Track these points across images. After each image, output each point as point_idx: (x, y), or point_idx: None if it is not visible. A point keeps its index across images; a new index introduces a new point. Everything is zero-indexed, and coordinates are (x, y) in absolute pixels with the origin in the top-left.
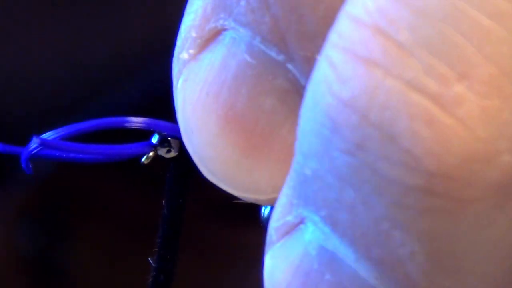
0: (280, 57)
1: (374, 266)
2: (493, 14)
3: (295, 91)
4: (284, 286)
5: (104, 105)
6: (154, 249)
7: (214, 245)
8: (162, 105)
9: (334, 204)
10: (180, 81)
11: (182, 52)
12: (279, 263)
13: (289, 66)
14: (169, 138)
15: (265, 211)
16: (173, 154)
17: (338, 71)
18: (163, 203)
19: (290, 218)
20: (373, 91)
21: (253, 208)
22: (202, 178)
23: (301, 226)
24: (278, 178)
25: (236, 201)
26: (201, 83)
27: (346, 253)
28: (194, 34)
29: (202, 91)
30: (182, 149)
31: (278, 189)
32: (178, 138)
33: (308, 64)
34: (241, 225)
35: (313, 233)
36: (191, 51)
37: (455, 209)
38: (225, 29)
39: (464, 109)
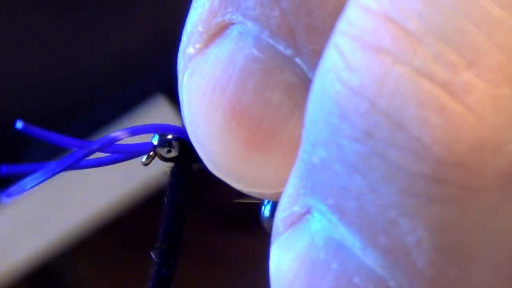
0: (288, 51)
1: (381, 254)
2: (504, 3)
3: (303, 86)
4: (291, 276)
5: (105, 106)
6: (156, 245)
7: (214, 247)
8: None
9: (342, 192)
10: (186, 75)
11: (188, 47)
12: (285, 253)
13: (297, 60)
14: (169, 138)
15: (265, 210)
16: (173, 154)
17: (347, 58)
18: (164, 200)
19: (296, 208)
20: (382, 78)
21: (253, 209)
22: (203, 178)
23: (308, 216)
24: (284, 173)
25: (236, 201)
26: (208, 77)
27: (353, 242)
28: (200, 29)
29: (208, 85)
30: (183, 149)
31: (283, 184)
32: (180, 139)
33: (317, 58)
34: (242, 225)
35: (319, 223)
36: (198, 46)
37: (464, 197)
38: (232, 23)
39: (473, 97)
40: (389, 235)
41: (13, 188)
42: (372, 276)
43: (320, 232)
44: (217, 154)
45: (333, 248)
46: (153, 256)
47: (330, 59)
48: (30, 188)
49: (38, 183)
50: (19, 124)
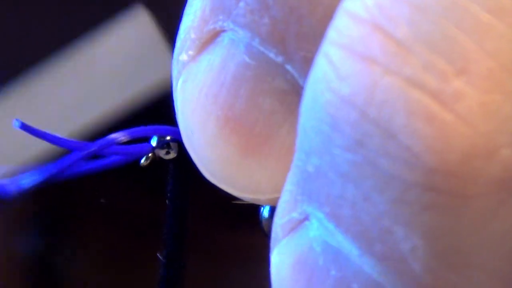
0: (279, 58)
1: (378, 261)
2: (494, 10)
3: (294, 92)
4: (291, 282)
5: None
6: (162, 246)
7: (215, 245)
8: (163, 106)
9: (337, 200)
10: (180, 82)
11: (181, 54)
12: (285, 259)
13: (288, 67)
14: (167, 139)
15: (263, 211)
16: (172, 155)
17: (337, 68)
18: (167, 203)
19: (295, 214)
20: (372, 87)
21: (253, 208)
22: (201, 179)
23: (306, 222)
24: (278, 178)
25: (235, 202)
26: (200, 84)
27: (350, 249)
28: (193, 36)
29: (201, 92)
30: (181, 150)
31: (278, 189)
32: (179, 141)
33: (308, 65)
34: (241, 225)
35: (317, 230)
36: (190, 52)
37: (458, 205)
38: (224, 31)
39: (463, 105)
40: (385, 242)
41: (8, 183)
42: (370, 283)
43: (319, 238)
44: (211, 160)
45: (332, 255)
46: (160, 258)
47: (321, 68)
48: (26, 187)
49: (33, 185)
50: (16, 123)
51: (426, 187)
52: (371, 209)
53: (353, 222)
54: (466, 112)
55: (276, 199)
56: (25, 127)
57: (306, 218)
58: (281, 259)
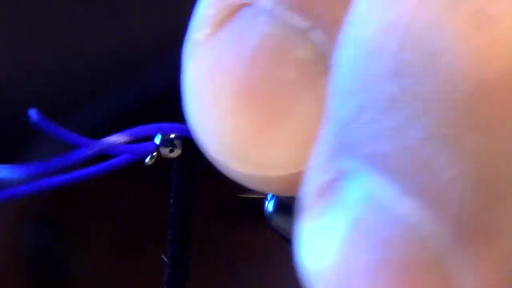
0: (304, 25)
1: (415, 198)
2: None
3: (316, 62)
4: (332, 255)
5: (105, 103)
6: (167, 247)
7: (218, 242)
8: (164, 104)
9: (375, 140)
10: (193, 60)
11: (196, 32)
12: (319, 225)
13: (312, 34)
14: (172, 137)
15: (268, 205)
16: (176, 153)
17: None
18: (171, 201)
19: (326, 176)
20: (412, 13)
21: (258, 204)
22: (205, 176)
23: (340, 182)
24: (295, 153)
25: (240, 195)
26: (215, 58)
27: (388, 193)
28: (211, 11)
29: (215, 66)
30: (186, 147)
31: (293, 165)
32: (183, 138)
33: (335, 28)
34: (246, 222)
35: (353, 188)
36: (207, 31)
37: (501, 126)
38: (244, 5)
39: (502, 26)
40: (424, 174)
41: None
42: (406, 228)
43: (355, 194)
44: (225, 135)
45: (371, 208)
46: (165, 259)
47: (361, 2)
48: (24, 193)
49: (33, 188)
50: (32, 113)
51: (468, 107)
52: (412, 139)
53: (390, 158)
54: (504, 33)
55: (289, 176)
56: (40, 119)
57: (340, 177)
58: (313, 226)
